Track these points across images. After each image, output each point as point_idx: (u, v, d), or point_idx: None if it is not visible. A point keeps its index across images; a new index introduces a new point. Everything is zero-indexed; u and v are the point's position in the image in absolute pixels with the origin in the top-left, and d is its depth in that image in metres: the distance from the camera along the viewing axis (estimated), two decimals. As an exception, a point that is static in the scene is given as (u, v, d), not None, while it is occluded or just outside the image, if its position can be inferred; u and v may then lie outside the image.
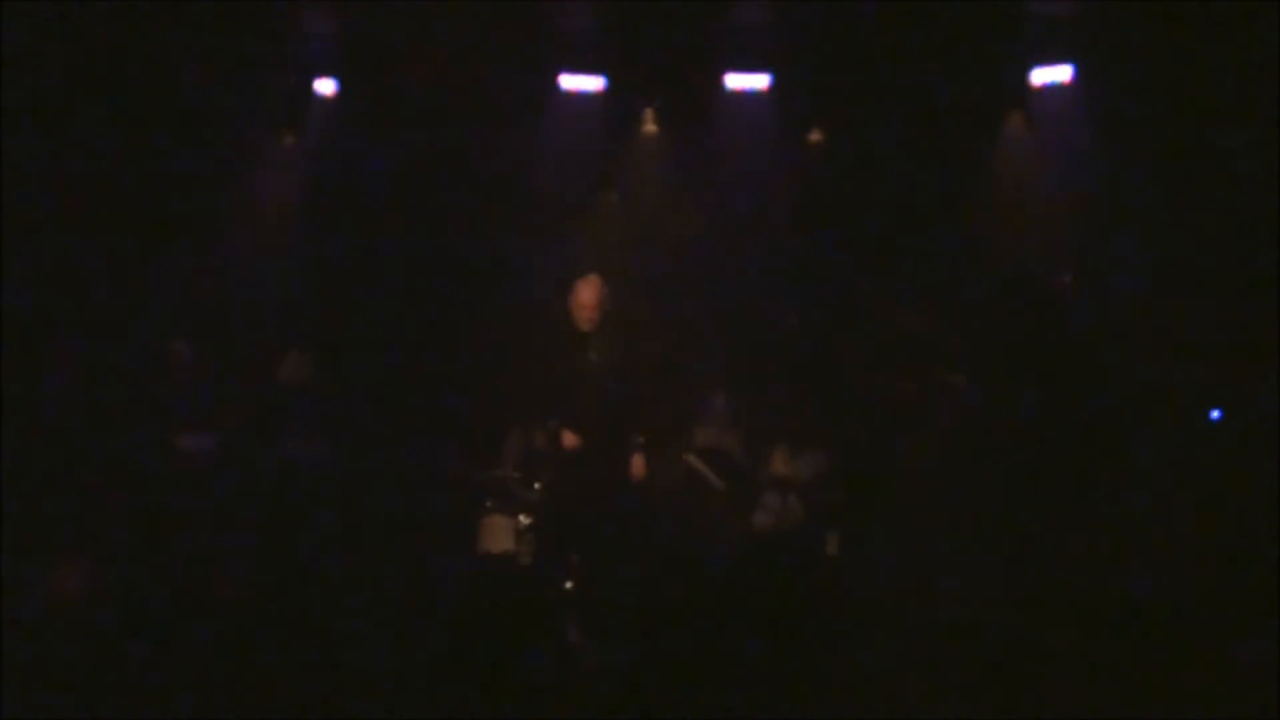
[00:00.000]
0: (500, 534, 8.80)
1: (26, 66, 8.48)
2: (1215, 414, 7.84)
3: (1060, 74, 9.08)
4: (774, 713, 2.95)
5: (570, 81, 9.50)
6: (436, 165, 9.51)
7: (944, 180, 9.23)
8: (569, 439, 7.41)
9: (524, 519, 8.63)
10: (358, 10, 9.10)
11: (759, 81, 9.45)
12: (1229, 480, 7.57)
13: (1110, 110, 8.89)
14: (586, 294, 7.41)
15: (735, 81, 9.47)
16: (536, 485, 8.65)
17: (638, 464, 7.71)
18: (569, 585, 7.78)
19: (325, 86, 9.45)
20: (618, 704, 3.22)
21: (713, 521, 8.60)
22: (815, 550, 7.86)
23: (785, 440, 8.89)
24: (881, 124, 9.14)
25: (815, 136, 9.25)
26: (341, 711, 3.71)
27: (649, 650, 2.97)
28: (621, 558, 7.20)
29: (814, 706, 3.13)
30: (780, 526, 7.99)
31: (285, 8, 8.99)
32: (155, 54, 8.90)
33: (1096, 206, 8.87)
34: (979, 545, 7.16)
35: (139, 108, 8.98)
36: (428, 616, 3.77)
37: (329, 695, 3.73)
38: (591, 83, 9.51)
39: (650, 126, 9.43)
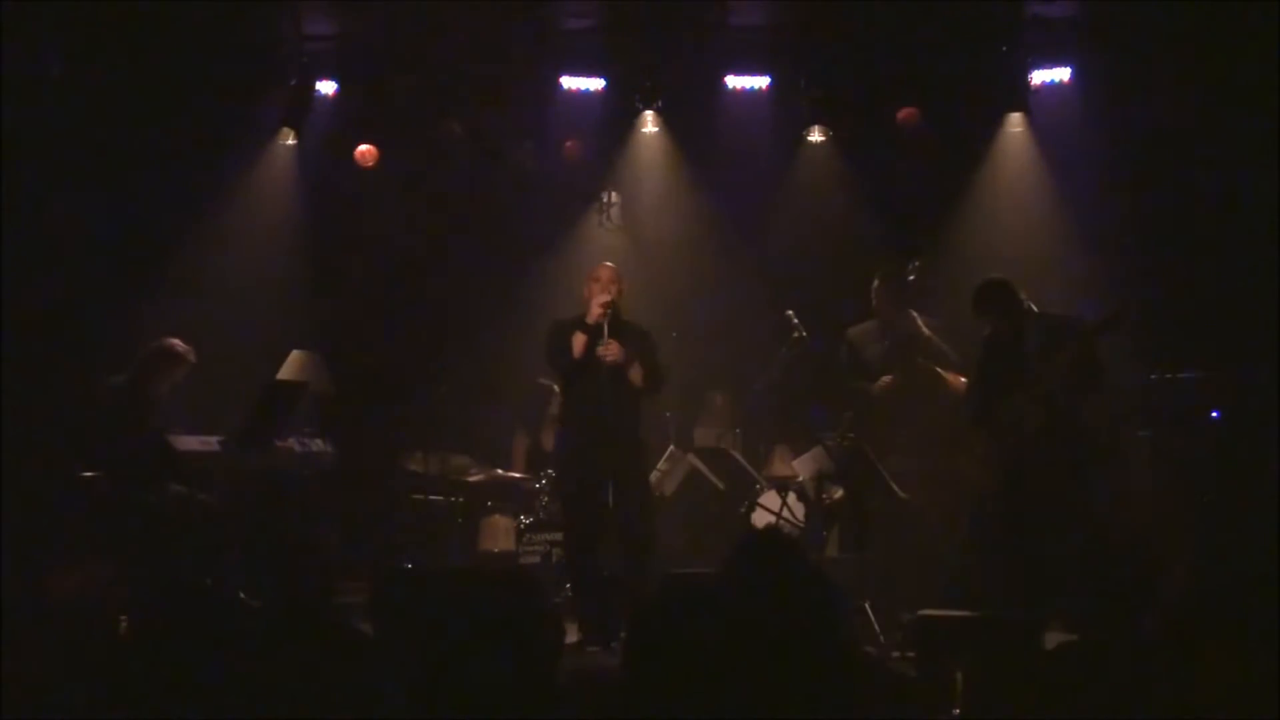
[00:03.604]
0: (500, 534, 8.81)
1: (27, 66, 8.47)
2: (1215, 414, 7.83)
3: (1060, 74, 9.08)
4: (772, 713, 2.95)
5: (570, 81, 9.51)
6: (436, 165, 9.52)
7: (944, 180, 9.24)
8: (613, 349, 7.19)
9: (524, 519, 8.65)
10: (358, 11, 9.10)
11: (759, 81, 9.46)
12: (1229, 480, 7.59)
13: (1110, 110, 8.89)
14: (600, 282, 7.30)
15: (735, 81, 9.47)
16: (540, 484, 8.69)
17: None
18: (569, 586, 7.79)
19: (325, 87, 9.45)
20: (618, 704, 3.22)
21: (713, 521, 8.62)
22: (814, 550, 7.88)
23: (785, 440, 8.91)
24: (881, 125, 9.14)
25: (815, 137, 9.25)
26: (341, 711, 3.71)
27: (648, 652, 2.97)
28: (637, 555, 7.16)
29: (811, 707, 3.12)
30: (780, 526, 7.99)
31: (285, 8, 8.98)
32: (155, 55, 8.90)
33: (1095, 206, 8.87)
34: (978, 543, 7.17)
35: (139, 108, 8.97)
36: (426, 616, 3.78)
37: (329, 695, 3.73)
38: (591, 83, 9.51)
39: (650, 126, 9.42)
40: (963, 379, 7.73)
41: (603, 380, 7.07)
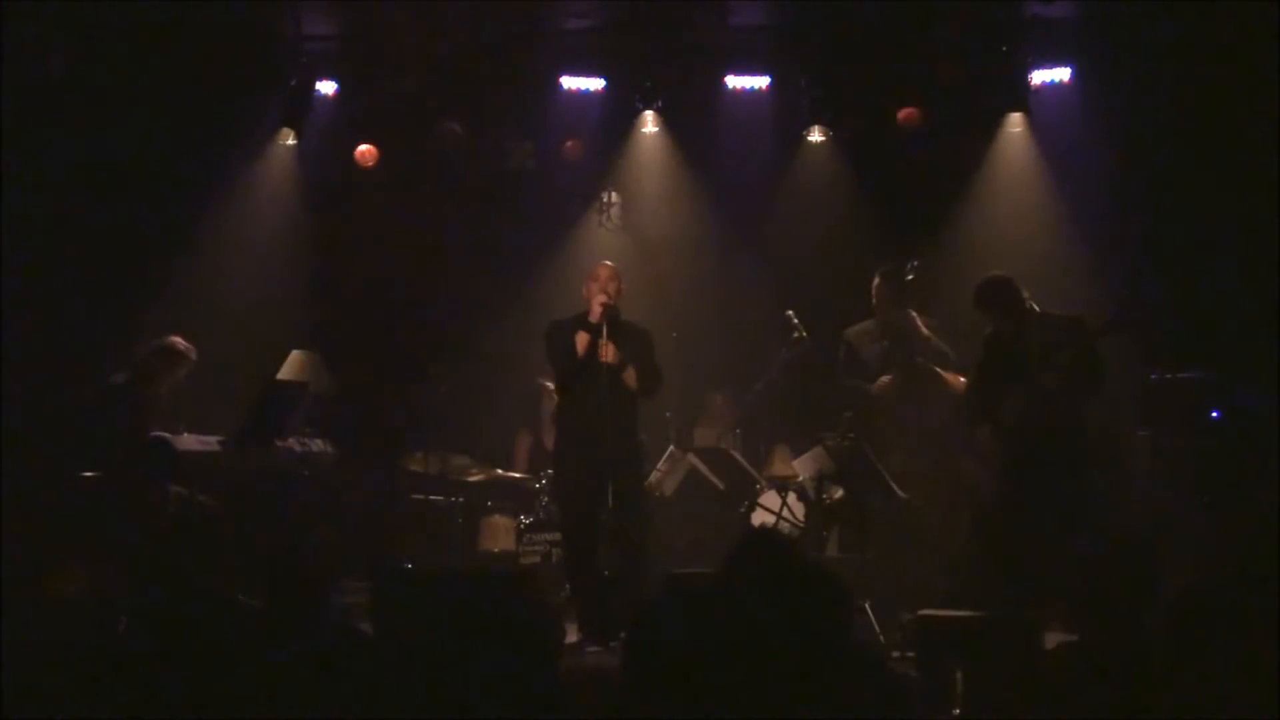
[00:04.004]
0: (500, 534, 8.82)
1: (28, 67, 8.48)
2: (1215, 414, 7.83)
3: (1060, 74, 9.08)
4: (772, 713, 2.95)
5: (570, 81, 9.50)
6: (436, 166, 9.52)
7: (944, 180, 9.24)
8: (608, 350, 7.17)
9: (524, 519, 8.66)
10: (358, 11, 9.10)
11: (759, 81, 9.45)
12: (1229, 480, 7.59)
13: (1110, 110, 8.89)
14: (599, 281, 7.29)
15: (735, 81, 9.47)
16: (540, 484, 8.69)
17: None
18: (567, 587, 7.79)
19: (325, 87, 9.45)
20: (618, 704, 3.22)
21: (713, 521, 8.61)
22: (815, 550, 7.87)
23: (785, 440, 8.91)
24: (881, 125, 9.13)
25: (815, 137, 9.24)
26: (341, 711, 3.71)
27: (648, 652, 2.97)
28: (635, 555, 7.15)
29: (812, 707, 3.12)
30: (777, 526, 7.98)
31: (285, 8, 8.97)
32: (156, 54, 8.90)
33: (1095, 206, 8.87)
34: (979, 543, 7.18)
35: (140, 108, 8.97)
36: (426, 616, 3.78)
37: (328, 695, 3.73)
38: (591, 83, 9.51)
39: (650, 126, 9.41)
40: (962, 379, 7.74)
41: (601, 380, 7.07)
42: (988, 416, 7.04)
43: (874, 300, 8.14)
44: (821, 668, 3.19)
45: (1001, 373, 6.99)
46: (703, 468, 8.79)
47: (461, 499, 8.84)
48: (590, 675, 5.22)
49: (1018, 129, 9.15)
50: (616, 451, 7.06)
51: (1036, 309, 7.06)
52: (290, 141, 9.38)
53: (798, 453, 8.26)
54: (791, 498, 8.28)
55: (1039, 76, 9.03)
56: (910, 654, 6.03)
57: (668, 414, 8.87)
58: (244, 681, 3.74)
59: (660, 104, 9.29)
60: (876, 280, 8.10)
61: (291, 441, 7.92)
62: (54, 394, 8.25)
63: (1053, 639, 4.84)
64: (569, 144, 9.50)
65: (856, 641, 4.05)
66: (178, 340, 7.78)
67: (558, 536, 8.20)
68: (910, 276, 8.00)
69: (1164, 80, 8.52)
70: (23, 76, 8.43)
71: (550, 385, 8.94)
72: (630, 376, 7.22)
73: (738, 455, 8.78)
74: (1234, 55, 8.23)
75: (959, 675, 4.99)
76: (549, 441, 9.07)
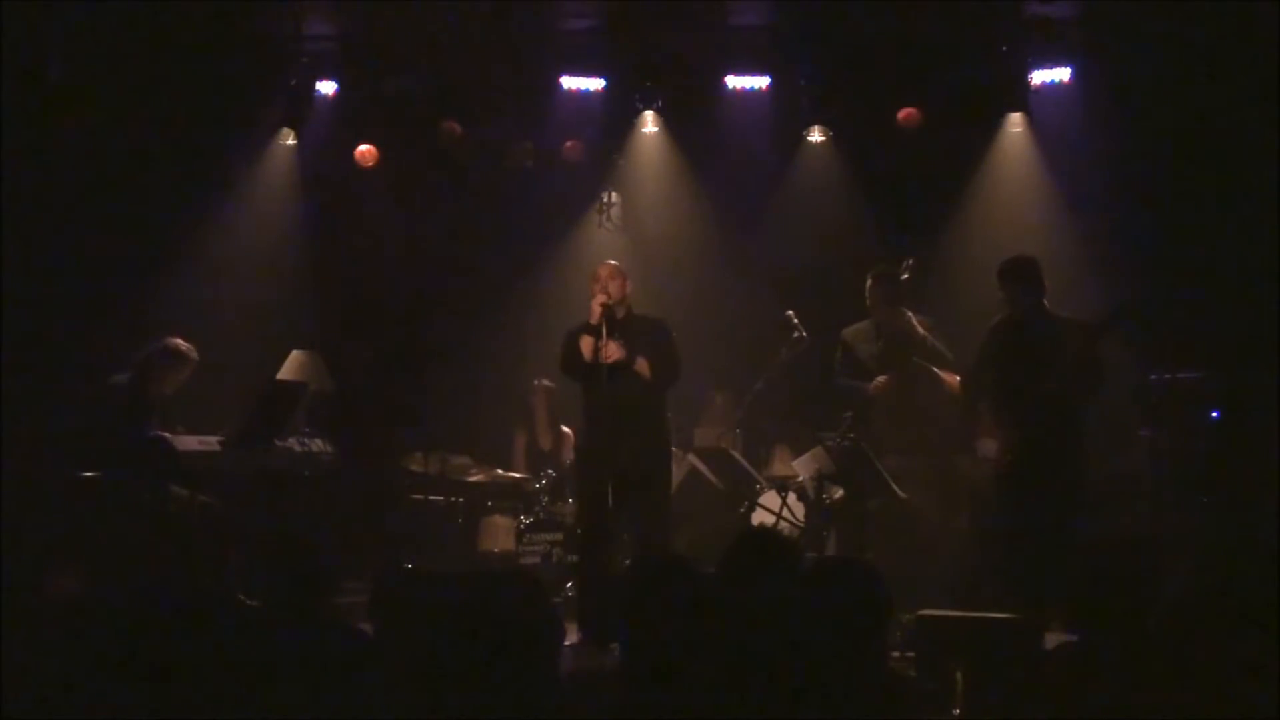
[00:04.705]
0: (500, 534, 8.83)
1: (27, 66, 8.47)
2: (1215, 414, 7.83)
3: (1060, 74, 9.08)
4: (771, 711, 2.95)
5: (570, 81, 9.51)
6: (436, 166, 9.52)
7: (944, 180, 9.24)
8: (609, 349, 7.18)
9: (524, 519, 8.66)
10: (358, 11, 9.10)
11: (759, 81, 9.45)
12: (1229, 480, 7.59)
13: (1110, 110, 8.90)
14: (599, 281, 7.30)
15: (735, 81, 9.47)
16: (540, 484, 8.70)
17: None
18: (569, 586, 7.80)
19: (325, 87, 9.45)
20: (618, 704, 3.23)
21: (713, 521, 8.62)
22: (814, 549, 7.88)
23: (785, 440, 8.91)
24: (881, 125, 9.13)
25: (815, 137, 9.24)
26: (341, 711, 3.71)
27: (645, 649, 2.98)
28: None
29: (808, 705, 3.12)
30: (779, 526, 7.99)
31: (285, 8, 8.97)
32: (156, 54, 8.90)
33: (1095, 206, 8.88)
34: (979, 542, 7.19)
35: (140, 108, 8.97)
36: (426, 616, 3.78)
37: (328, 695, 3.74)
38: (591, 83, 9.51)
39: (650, 126, 9.41)
40: (958, 378, 7.74)
41: (604, 380, 7.09)
42: (985, 394, 7.08)
43: (868, 300, 8.13)
44: (823, 668, 3.18)
45: (1006, 360, 7.01)
46: (703, 468, 8.79)
47: (461, 499, 8.85)
48: (590, 675, 5.23)
49: (1018, 129, 9.15)
50: (631, 450, 7.08)
51: (1046, 306, 7.08)
52: (290, 141, 9.38)
53: (798, 453, 8.26)
54: (791, 498, 8.28)
55: (1039, 76, 9.03)
56: (910, 654, 6.04)
57: (668, 414, 8.87)
58: (244, 681, 3.74)
59: (660, 104, 9.29)
60: (870, 280, 8.10)
61: (291, 441, 7.92)
62: (54, 394, 8.24)
63: (1053, 639, 4.84)
64: (569, 144, 9.51)
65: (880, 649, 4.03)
66: (179, 342, 7.77)
67: (558, 536, 8.22)
68: (905, 276, 8.00)
69: (1164, 80, 8.52)
70: (23, 76, 8.43)
71: (545, 385, 9.00)
72: (643, 368, 7.24)
73: (738, 455, 8.78)
74: (1234, 55, 8.22)
75: (959, 675, 5.00)
76: (544, 441, 9.11)
